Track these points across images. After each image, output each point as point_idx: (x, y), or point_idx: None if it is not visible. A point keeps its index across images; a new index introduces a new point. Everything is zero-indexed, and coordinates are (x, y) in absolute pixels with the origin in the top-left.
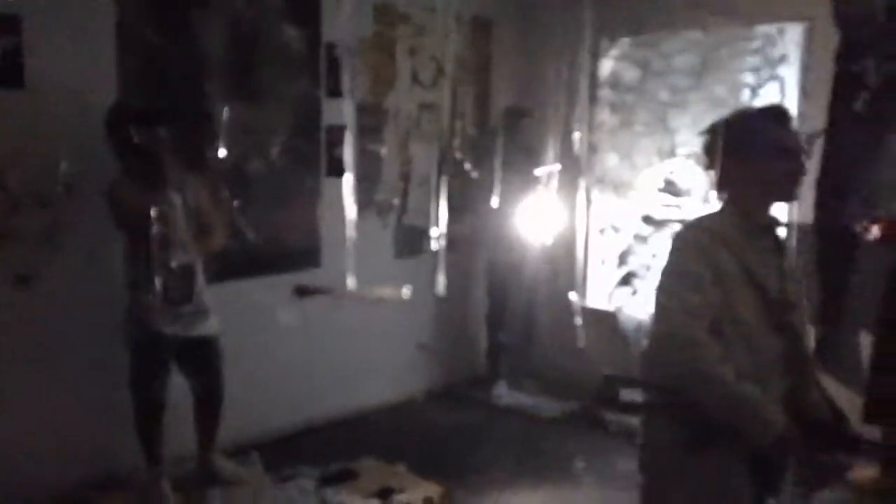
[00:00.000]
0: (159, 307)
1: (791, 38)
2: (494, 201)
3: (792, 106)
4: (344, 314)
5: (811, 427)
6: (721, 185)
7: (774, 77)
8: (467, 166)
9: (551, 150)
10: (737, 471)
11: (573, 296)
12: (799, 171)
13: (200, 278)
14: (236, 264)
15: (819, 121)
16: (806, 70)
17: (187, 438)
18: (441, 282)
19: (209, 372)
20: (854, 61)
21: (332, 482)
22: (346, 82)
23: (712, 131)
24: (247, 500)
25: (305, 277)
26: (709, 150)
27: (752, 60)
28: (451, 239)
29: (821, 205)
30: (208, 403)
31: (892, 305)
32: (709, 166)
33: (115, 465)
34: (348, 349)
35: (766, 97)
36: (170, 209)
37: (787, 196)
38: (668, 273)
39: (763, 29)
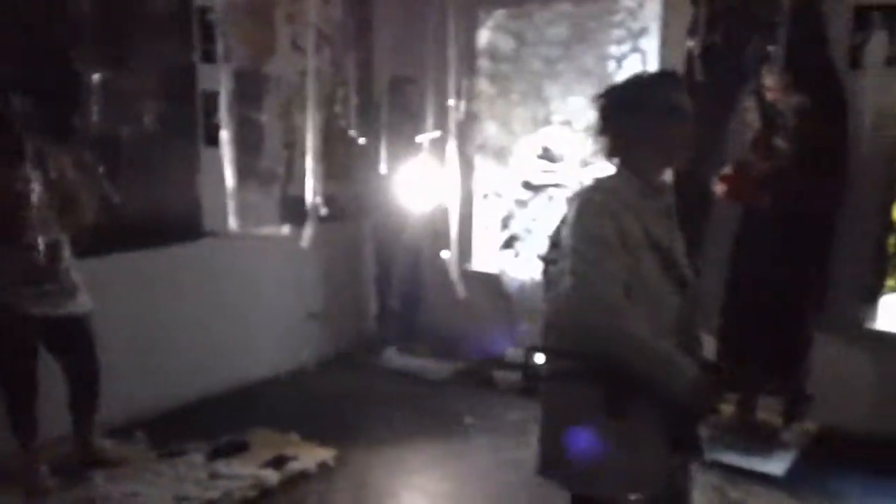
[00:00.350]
0: (22, 287)
1: (650, 12)
2: (380, 167)
3: None
4: (229, 286)
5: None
6: (616, 149)
7: (637, 49)
8: (352, 133)
9: (431, 118)
10: (658, 431)
11: (445, 254)
12: (691, 134)
13: (66, 255)
14: (112, 237)
15: None
16: (665, 42)
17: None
18: (307, 235)
19: (80, 352)
20: (705, 35)
21: (223, 455)
22: (219, 48)
23: (607, 95)
24: (130, 479)
25: (185, 250)
26: (604, 113)
27: (617, 33)
28: (338, 205)
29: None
30: (82, 384)
31: (736, 265)
32: (602, 131)
33: None
34: (237, 321)
35: (630, 68)
36: (26, 185)
37: (681, 158)
38: (581, 238)
39: (626, 3)
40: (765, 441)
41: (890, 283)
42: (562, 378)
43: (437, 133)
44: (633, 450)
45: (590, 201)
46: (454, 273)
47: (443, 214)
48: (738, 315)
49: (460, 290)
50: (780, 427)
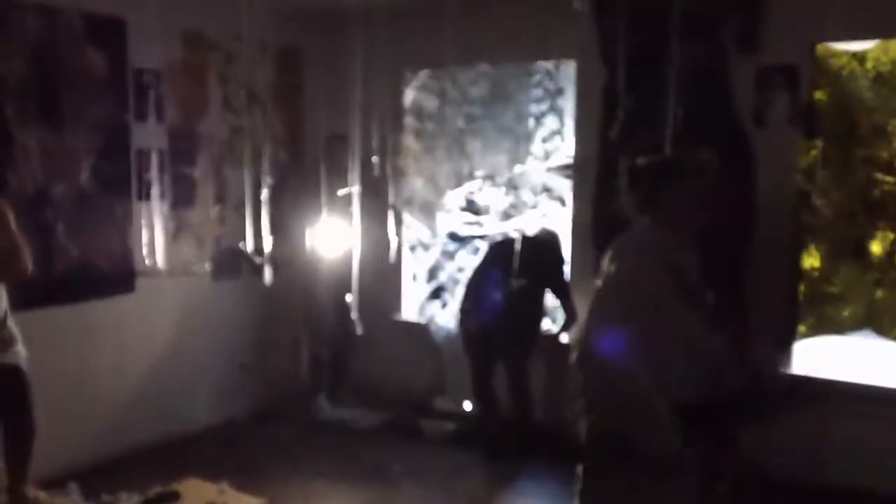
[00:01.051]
0: None
1: (566, 73)
2: (310, 222)
3: (569, 133)
4: (162, 339)
5: None
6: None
7: (554, 108)
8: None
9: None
10: None
11: (349, 297)
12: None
13: (4, 305)
14: (50, 291)
15: (592, 146)
16: (580, 101)
17: None
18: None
19: (15, 402)
20: (617, 95)
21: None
22: (152, 107)
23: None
24: None
25: (119, 303)
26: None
27: (536, 92)
28: (271, 260)
29: None
30: (16, 434)
31: None
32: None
33: None
34: (168, 372)
35: (548, 126)
36: None
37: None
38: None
39: (543, 65)
40: None
41: (802, 328)
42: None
43: (356, 188)
44: None
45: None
46: (354, 314)
47: (372, 267)
48: None
49: (358, 328)
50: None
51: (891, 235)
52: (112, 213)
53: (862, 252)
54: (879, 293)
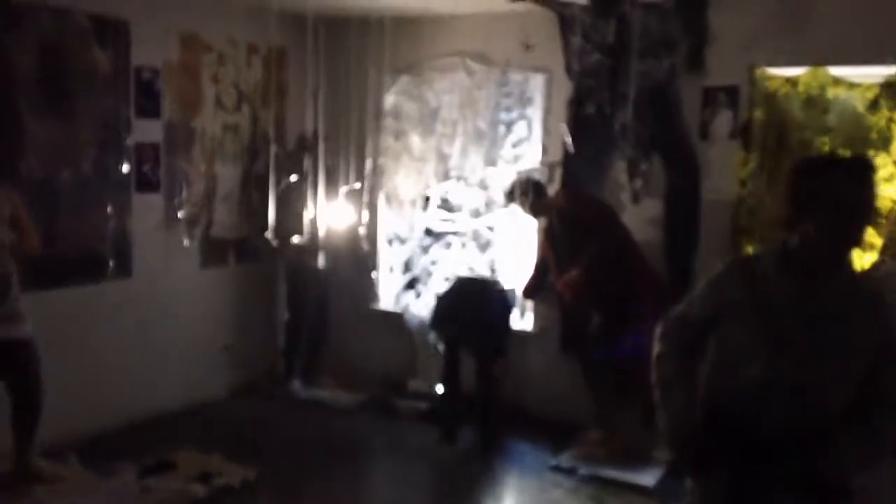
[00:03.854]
0: None
1: (535, 84)
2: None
3: (536, 141)
4: (154, 321)
5: None
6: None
7: (524, 116)
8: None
9: (349, 171)
10: None
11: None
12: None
13: (15, 284)
14: (53, 273)
15: (557, 152)
16: (547, 111)
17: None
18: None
19: (25, 373)
20: (581, 105)
21: (152, 472)
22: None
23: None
24: (69, 494)
25: (116, 287)
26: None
27: (507, 101)
28: (253, 247)
29: None
30: (25, 404)
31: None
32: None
33: None
34: (160, 353)
35: (518, 132)
36: None
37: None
38: None
39: (514, 76)
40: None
41: None
42: None
43: (357, 185)
44: None
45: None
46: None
47: (351, 258)
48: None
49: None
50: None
51: None
52: (112, 202)
53: None
54: None
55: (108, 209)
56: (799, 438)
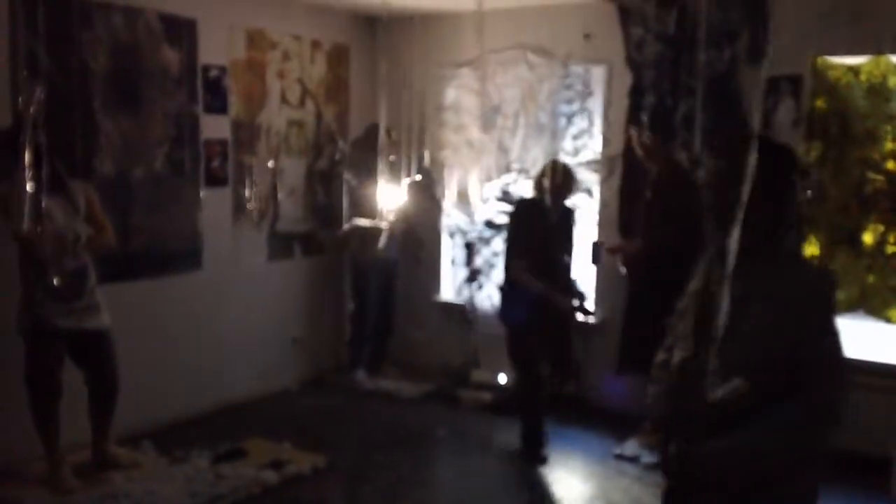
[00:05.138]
0: (53, 303)
1: (596, 77)
2: (359, 208)
3: (597, 132)
4: (223, 313)
5: None
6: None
7: (584, 108)
8: (347, 176)
9: (410, 164)
10: None
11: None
12: None
13: (92, 276)
14: (127, 266)
15: (618, 143)
16: (608, 103)
17: (75, 428)
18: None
19: (102, 363)
20: (641, 97)
21: (225, 459)
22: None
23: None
24: (146, 479)
25: (188, 279)
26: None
27: (567, 94)
28: (318, 241)
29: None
30: (102, 393)
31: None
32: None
33: (10, 456)
34: (231, 345)
35: (579, 125)
36: (65, 216)
37: None
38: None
39: (574, 69)
40: None
41: None
42: None
43: (418, 177)
44: None
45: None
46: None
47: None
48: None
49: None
50: None
51: (881, 227)
52: (182, 197)
53: (855, 241)
54: (871, 278)
55: (179, 204)
56: (717, 425)
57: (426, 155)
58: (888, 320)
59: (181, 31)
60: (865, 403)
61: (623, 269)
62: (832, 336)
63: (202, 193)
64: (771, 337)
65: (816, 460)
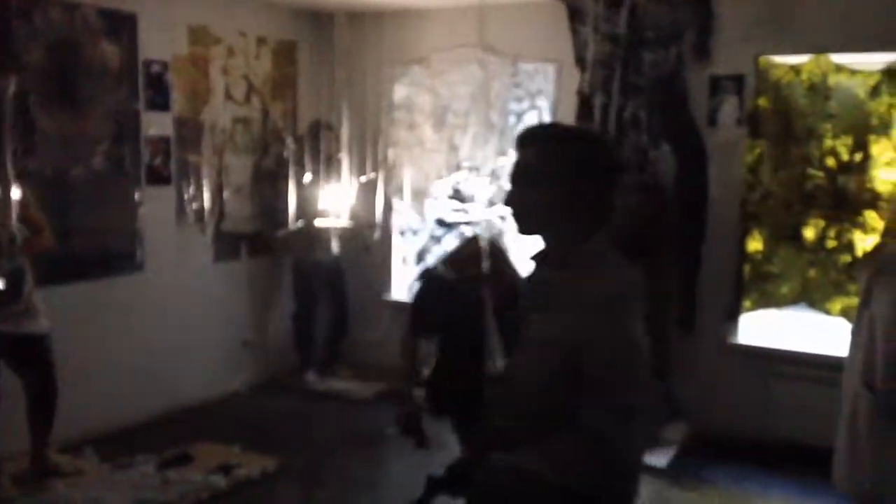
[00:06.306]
0: None
1: (545, 75)
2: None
3: None
4: (168, 315)
5: None
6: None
7: (534, 106)
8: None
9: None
10: None
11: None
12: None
13: (29, 279)
14: (65, 268)
15: None
16: (557, 102)
17: (14, 435)
18: None
19: (41, 368)
20: (590, 96)
21: (172, 465)
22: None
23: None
24: (89, 487)
25: (129, 281)
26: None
27: (518, 92)
28: (264, 241)
29: None
30: (41, 399)
31: None
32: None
33: None
34: (176, 348)
35: (529, 123)
36: None
37: None
38: None
39: (524, 67)
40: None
41: (747, 303)
42: None
43: (374, 175)
44: None
45: None
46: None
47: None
48: None
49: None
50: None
51: (821, 223)
52: (123, 196)
53: (797, 237)
54: (812, 272)
55: (119, 204)
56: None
57: (378, 153)
58: (828, 313)
59: (121, 26)
60: (808, 394)
61: None
62: (624, 352)
63: (144, 193)
64: (550, 349)
65: (607, 497)
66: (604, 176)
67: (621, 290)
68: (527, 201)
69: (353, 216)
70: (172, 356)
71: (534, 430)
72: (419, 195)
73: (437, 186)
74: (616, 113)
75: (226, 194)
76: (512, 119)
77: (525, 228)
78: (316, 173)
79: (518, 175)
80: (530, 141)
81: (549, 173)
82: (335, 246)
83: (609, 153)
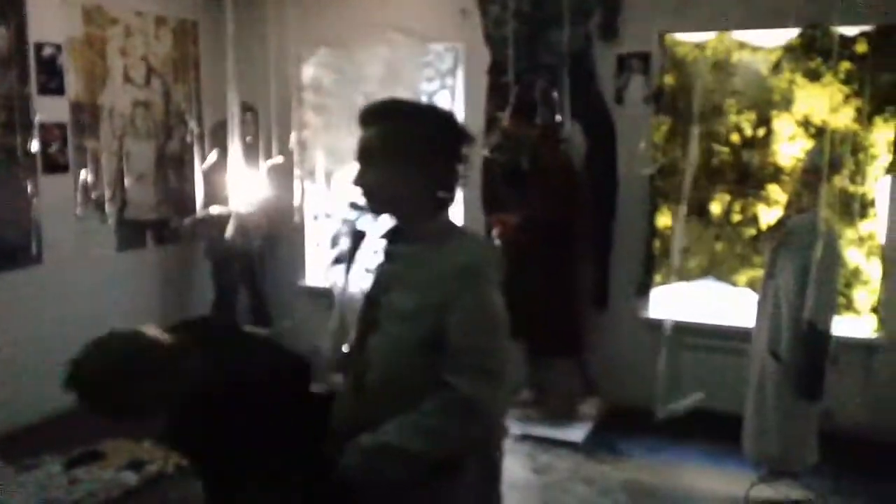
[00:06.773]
0: None
1: (456, 54)
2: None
3: (459, 110)
4: (71, 308)
5: None
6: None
7: (444, 86)
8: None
9: (271, 145)
10: None
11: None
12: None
13: None
14: None
15: (479, 120)
16: (468, 81)
17: None
18: None
19: None
20: (500, 75)
21: (80, 463)
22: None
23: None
24: None
25: (27, 275)
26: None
27: (428, 72)
28: (171, 229)
29: None
30: None
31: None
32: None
33: None
34: (80, 343)
35: (441, 103)
36: None
37: None
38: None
39: (434, 47)
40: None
41: (657, 278)
42: None
43: (280, 159)
44: None
45: None
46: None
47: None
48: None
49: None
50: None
51: (727, 197)
52: (16, 186)
53: (704, 212)
54: (719, 246)
55: (14, 194)
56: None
57: (287, 136)
58: (735, 284)
59: (7, 6)
60: (716, 364)
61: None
62: (486, 318)
63: (39, 182)
64: (412, 322)
65: (474, 458)
66: (449, 150)
67: (476, 259)
68: (374, 180)
69: (263, 201)
70: (75, 351)
71: (397, 406)
72: (331, 178)
73: (349, 169)
74: (525, 90)
75: (128, 181)
76: (423, 99)
77: (375, 207)
78: (227, 159)
79: (364, 154)
80: (373, 119)
81: (393, 151)
82: (245, 233)
83: (454, 127)
